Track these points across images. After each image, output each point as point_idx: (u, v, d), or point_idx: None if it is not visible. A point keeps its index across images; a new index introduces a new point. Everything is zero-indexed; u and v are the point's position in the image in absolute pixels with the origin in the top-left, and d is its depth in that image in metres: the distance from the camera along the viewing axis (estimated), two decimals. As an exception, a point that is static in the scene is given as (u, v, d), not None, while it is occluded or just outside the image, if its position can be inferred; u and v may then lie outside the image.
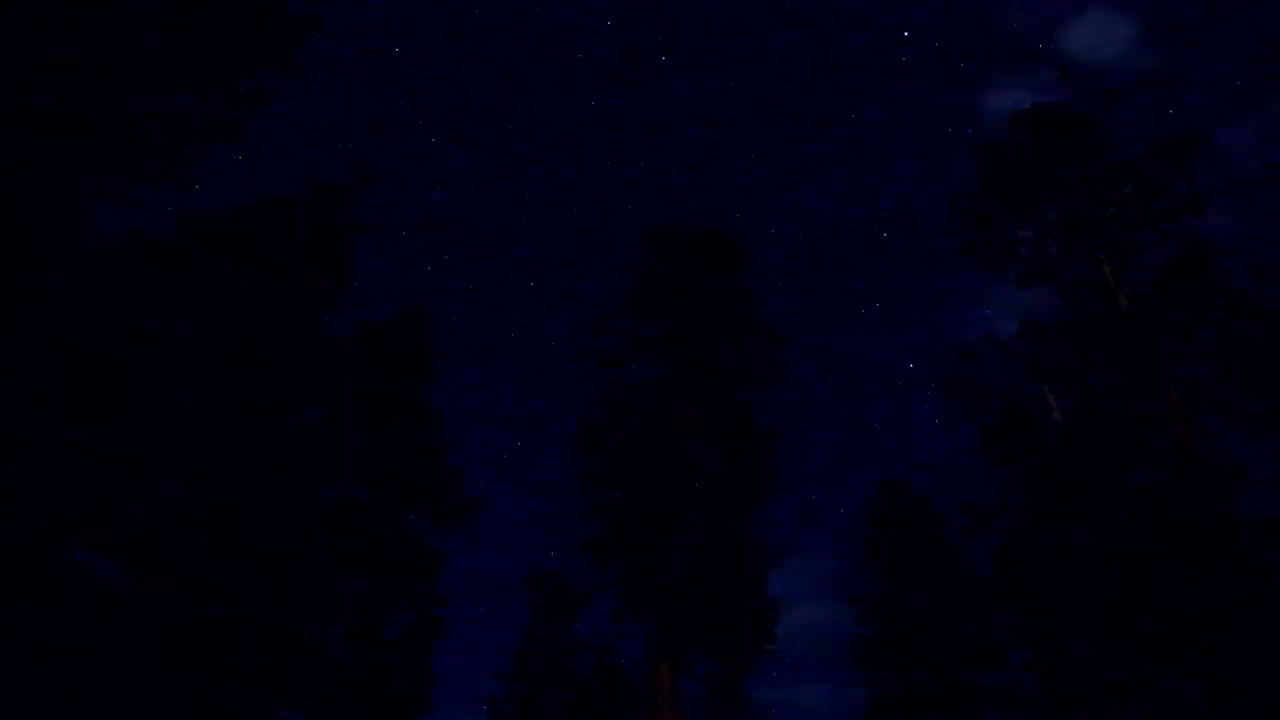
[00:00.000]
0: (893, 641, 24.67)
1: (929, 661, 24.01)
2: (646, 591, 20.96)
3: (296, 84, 15.03)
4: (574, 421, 23.38)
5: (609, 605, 21.61)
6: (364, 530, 16.10)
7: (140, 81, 12.70)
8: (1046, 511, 18.93)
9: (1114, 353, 19.94)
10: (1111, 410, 19.44)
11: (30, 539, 10.54)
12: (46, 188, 11.55)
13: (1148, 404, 19.18)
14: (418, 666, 15.66)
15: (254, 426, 13.53)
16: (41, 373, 11.01)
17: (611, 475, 22.36)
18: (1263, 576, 16.52)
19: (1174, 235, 20.46)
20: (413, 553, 16.43)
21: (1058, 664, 17.80)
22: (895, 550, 26.31)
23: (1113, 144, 21.72)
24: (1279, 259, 18.92)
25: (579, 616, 33.13)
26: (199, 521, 12.45)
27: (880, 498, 28.01)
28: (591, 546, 21.94)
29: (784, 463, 23.39)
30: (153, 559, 11.92)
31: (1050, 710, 17.68)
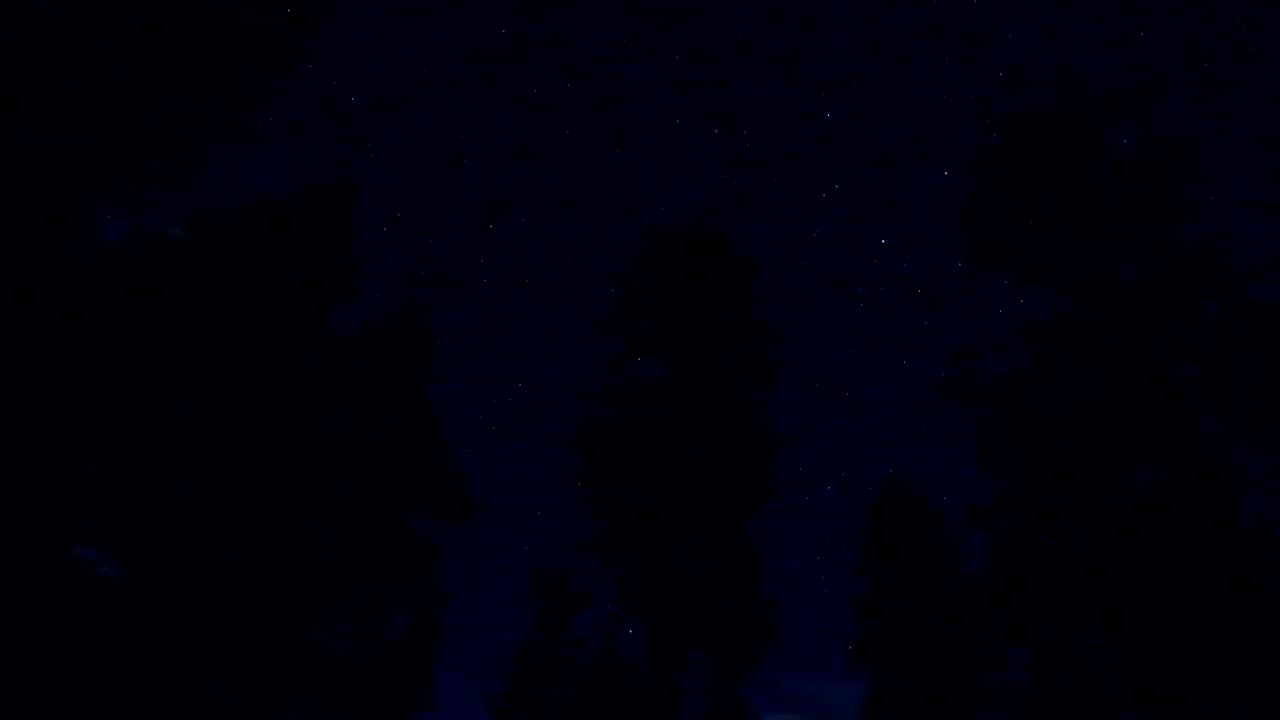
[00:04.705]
0: (891, 640, 24.71)
1: (927, 661, 24.04)
2: (646, 591, 20.99)
3: (297, 84, 15.05)
4: (575, 421, 23.42)
5: (609, 605, 21.64)
6: (365, 529, 16.13)
7: (141, 83, 12.74)
8: (1046, 511, 18.96)
9: (1114, 352, 19.98)
10: (1111, 410, 19.46)
11: (32, 536, 10.58)
12: (49, 190, 11.59)
13: (1148, 404, 19.22)
14: (419, 665, 15.70)
15: (256, 425, 13.57)
16: (44, 372, 11.05)
17: (612, 475, 22.39)
18: (1263, 577, 16.55)
19: (1173, 235, 20.49)
20: (414, 552, 16.46)
21: (1056, 664, 17.83)
22: (895, 549, 26.35)
23: (1112, 144, 21.74)
24: (1278, 259, 18.94)
25: (579, 616, 33.14)
26: (201, 520, 12.49)
27: (880, 497, 28.06)
28: (591, 546, 21.98)
29: (783, 462, 23.44)
30: (155, 557, 11.95)
31: (1049, 710, 17.72)
